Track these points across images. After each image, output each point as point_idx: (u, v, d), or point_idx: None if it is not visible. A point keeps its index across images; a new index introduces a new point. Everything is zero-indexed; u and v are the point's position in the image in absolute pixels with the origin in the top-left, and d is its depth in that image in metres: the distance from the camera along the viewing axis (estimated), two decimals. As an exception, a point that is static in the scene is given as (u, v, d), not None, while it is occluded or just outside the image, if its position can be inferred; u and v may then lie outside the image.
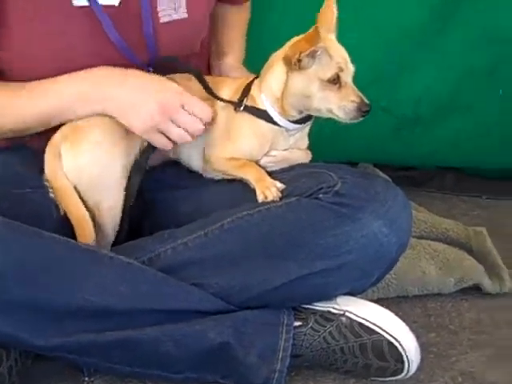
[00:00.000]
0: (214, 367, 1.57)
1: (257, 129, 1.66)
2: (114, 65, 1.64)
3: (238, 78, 1.76)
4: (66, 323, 1.50)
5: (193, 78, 1.68)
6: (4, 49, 1.64)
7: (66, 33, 1.62)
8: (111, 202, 1.65)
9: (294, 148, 1.70)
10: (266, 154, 1.68)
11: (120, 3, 1.63)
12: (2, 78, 1.67)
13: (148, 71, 1.68)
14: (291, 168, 1.67)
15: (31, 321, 1.49)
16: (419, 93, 2.33)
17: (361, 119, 1.59)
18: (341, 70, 1.57)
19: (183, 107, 1.62)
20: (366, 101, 1.57)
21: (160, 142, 1.64)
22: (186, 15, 1.70)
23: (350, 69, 1.60)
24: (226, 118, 1.67)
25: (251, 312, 1.58)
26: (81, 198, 1.63)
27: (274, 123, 1.65)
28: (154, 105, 1.60)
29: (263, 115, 1.65)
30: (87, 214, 1.62)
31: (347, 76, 1.59)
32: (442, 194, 2.49)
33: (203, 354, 1.55)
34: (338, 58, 1.59)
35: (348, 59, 1.60)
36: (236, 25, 1.99)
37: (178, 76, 1.69)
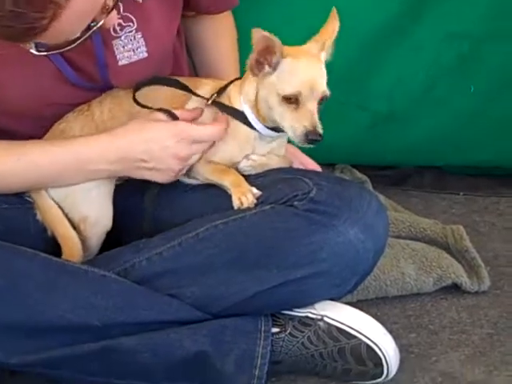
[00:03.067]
0: (191, 376, 1.57)
1: (234, 131, 1.64)
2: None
3: (220, 80, 1.74)
4: (40, 340, 1.50)
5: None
6: None
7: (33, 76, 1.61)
8: (97, 214, 1.66)
9: (271, 154, 1.69)
10: (246, 158, 1.66)
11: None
12: None
13: None
14: (267, 173, 1.66)
15: (4, 339, 1.49)
16: (391, 88, 2.33)
17: (309, 146, 1.55)
18: (299, 93, 1.53)
19: (194, 142, 1.61)
20: (319, 130, 1.52)
21: (180, 176, 1.66)
22: (146, 54, 1.67)
23: (317, 92, 1.54)
24: (205, 120, 1.65)
25: (228, 320, 1.58)
26: (65, 214, 1.64)
27: (250, 126, 1.63)
28: (169, 161, 1.60)
29: (239, 116, 1.63)
30: (74, 232, 1.63)
31: (309, 99, 1.54)
32: (420, 193, 2.49)
33: (180, 363, 1.55)
34: (300, 79, 1.54)
35: (318, 82, 1.55)
36: (222, 36, 1.94)
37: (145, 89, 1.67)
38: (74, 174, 1.63)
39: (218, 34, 1.93)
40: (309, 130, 1.52)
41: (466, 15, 2.23)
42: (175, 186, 1.70)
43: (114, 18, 1.48)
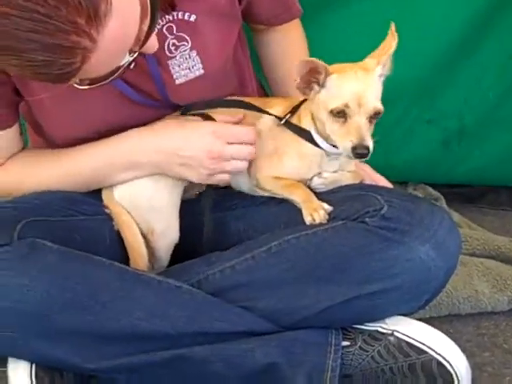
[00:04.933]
0: (263, 387, 1.59)
1: (300, 149, 1.67)
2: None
3: (291, 98, 1.76)
4: (115, 347, 1.55)
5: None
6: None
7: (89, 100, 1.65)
8: (163, 226, 1.70)
9: (343, 170, 1.71)
10: (317, 176, 1.69)
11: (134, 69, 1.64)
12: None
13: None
14: (338, 189, 1.69)
15: (80, 346, 1.54)
16: (461, 106, 2.34)
17: (358, 159, 1.57)
18: (346, 105, 1.54)
19: (227, 142, 1.64)
20: (366, 144, 1.52)
21: (219, 180, 1.68)
22: (202, 71, 1.70)
23: (366, 107, 1.54)
24: (273, 137, 1.69)
25: (299, 332, 1.60)
26: (136, 223, 1.69)
27: (316, 145, 1.65)
28: (201, 157, 1.64)
29: (305, 135, 1.65)
30: (142, 242, 1.68)
31: (356, 113, 1.54)
32: (495, 211, 2.46)
33: (251, 374, 1.57)
34: (347, 93, 1.55)
35: (365, 96, 1.54)
36: (288, 52, 1.94)
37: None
38: (118, 167, 1.68)
39: (286, 49, 1.94)
40: (356, 144, 1.53)
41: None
42: (249, 199, 1.74)
43: (153, 45, 1.51)
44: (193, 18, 1.68)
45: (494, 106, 2.35)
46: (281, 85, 1.93)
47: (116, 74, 1.48)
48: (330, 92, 1.57)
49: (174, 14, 1.67)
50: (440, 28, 2.21)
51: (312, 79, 1.58)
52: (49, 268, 1.52)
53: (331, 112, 1.56)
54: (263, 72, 1.99)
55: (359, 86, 1.56)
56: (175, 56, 1.69)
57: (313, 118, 1.64)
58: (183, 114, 1.72)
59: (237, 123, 1.70)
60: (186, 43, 1.69)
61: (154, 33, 1.48)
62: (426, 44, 2.22)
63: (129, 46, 1.43)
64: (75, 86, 1.48)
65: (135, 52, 1.47)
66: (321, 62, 1.55)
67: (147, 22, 1.44)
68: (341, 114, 1.55)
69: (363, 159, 1.56)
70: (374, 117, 1.56)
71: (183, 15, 1.68)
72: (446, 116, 2.35)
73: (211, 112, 1.72)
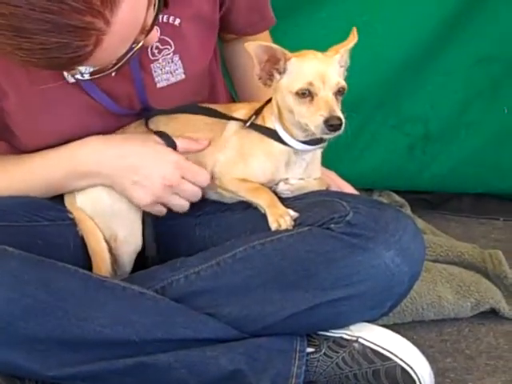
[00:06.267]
0: (226, 394, 1.58)
1: (268, 149, 1.66)
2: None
3: (255, 102, 1.77)
4: (77, 354, 1.53)
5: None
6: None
7: (65, 108, 1.65)
8: (126, 232, 1.69)
9: (309, 177, 1.71)
10: (283, 181, 1.69)
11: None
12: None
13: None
14: (304, 196, 1.68)
15: (43, 352, 1.52)
16: (426, 112, 2.36)
17: (332, 134, 1.54)
18: (310, 84, 1.55)
19: (183, 177, 1.65)
20: (337, 114, 1.52)
21: (157, 211, 1.69)
22: (183, 76, 1.71)
23: (330, 83, 1.55)
24: (239, 140, 1.69)
25: (264, 339, 1.59)
26: (100, 229, 1.68)
27: (284, 143, 1.65)
28: (156, 181, 1.64)
29: (272, 134, 1.65)
30: (105, 248, 1.66)
31: (322, 90, 1.55)
32: (459, 217, 2.49)
33: (215, 380, 1.56)
34: (308, 71, 1.56)
35: (327, 73, 1.56)
36: None
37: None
38: (74, 175, 1.66)
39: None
40: (327, 117, 1.52)
41: (496, 38, 2.27)
42: (215, 205, 1.73)
43: (154, 36, 1.52)
44: (177, 21, 1.68)
45: (459, 111, 2.37)
46: (253, 96, 1.91)
47: (115, 67, 1.47)
48: (292, 75, 1.58)
49: (159, 16, 1.65)
50: (405, 33, 2.24)
51: (272, 69, 1.59)
52: (10, 273, 1.49)
53: (297, 94, 1.56)
54: (233, 83, 1.99)
55: (320, 65, 1.58)
56: (158, 59, 1.69)
57: (280, 115, 1.63)
58: (147, 118, 1.71)
59: (200, 150, 1.69)
60: (169, 47, 1.69)
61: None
62: (392, 49, 2.25)
63: (137, 31, 1.43)
64: (76, 77, 1.49)
65: (139, 42, 1.47)
66: (278, 47, 1.57)
67: (151, 9, 1.44)
68: (306, 94, 1.55)
69: (337, 132, 1.53)
70: (339, 93, 1.57)
71: (168, 18, 1.68)
72: (411, 121, 2.37)
73: (175, 118, 1.71)
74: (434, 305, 1.96)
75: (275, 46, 1.58)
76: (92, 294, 1.54)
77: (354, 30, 1.64)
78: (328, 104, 1.54)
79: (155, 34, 1.52)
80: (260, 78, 1.61)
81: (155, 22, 1.47)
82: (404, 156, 2.40)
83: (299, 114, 1.58)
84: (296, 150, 1.65)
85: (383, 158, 2.33)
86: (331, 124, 1.52)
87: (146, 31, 1.46)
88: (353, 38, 1.63)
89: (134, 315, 1.54)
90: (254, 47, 1.57)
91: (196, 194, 1.68)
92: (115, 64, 1.47)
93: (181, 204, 1.69)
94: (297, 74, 1.57)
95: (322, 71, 1.56)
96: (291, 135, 1.64)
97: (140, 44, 1.48)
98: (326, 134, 1.54)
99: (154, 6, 1.46)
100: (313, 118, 1.55)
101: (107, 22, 1.33)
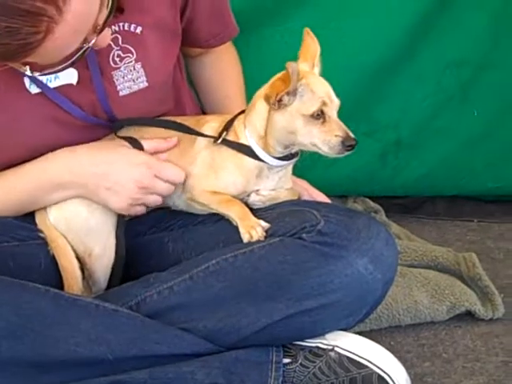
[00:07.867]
0: (203, 409, 1.58)
1: (240, 163, 1.66)
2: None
3: (224, 114, 1.77)
4: (52, 374, 1.52)
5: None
6: None
7: (26, 118, 1.63)
8: (101, 247, 1.68)
9: (280, 188, 1.71)
10: (255, 192, 1.69)
11: (77, 82, 1.64)
12: None
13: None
14: (275, 206, 1.68)
15: (16, 374, 1.50)
16: (397, 117, 2.37)
17: (346, 153, 1.58)
18: (324, 104, 1.57)
19: (157, 176, 1.65)
20: (352, 135, 1.56)
21: (137, 211, 1.69)
22: (146, 84, 1.70)
23: (335, 102, 1.59)
24: (211, 153, 1.68)
25: (240, 351, 1.59)
26: (71, 246, 1.67)
27: (258, 159, 1.65)
28: (129, 185, 1.63)
29: (246, 151, 1.65)
30: (76, 266, 1.66)
31: (331, 110, 1.58)
32: (434, 220, 2.50)
33: None
34: (320, 92, 1.58)
35: (332, 93, 1.60)
36: (225, 74, 1.96)
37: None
38: (47, 188, 1.65)
39: (222, 72, 1.95)
40: (344, 138, 1.56)
41: (464, 43, 2.28)
42: (186, 219, 1.73)
43: (107, 37, 1.52)
44: (139, 30, 1.68)
45: (430, 116, 2.38)
46: (220, 108, 1.92)
47: (66, 64, 1.47)
48: (303, 99, 1.58)
49: (120, 24, 1.66)
50: (374, 39, 2.24)
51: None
52: None
53: (312, 116, 1.57)
54: (199, 96, 1.99)
55: (326, 85, 1.61)
56: (120, 67, 1.68)
57: (264, 133, 1.62)
58: (116, 129, 1.70)
59: (170, 148, 1.70)
60: (130, 55, 1.68)
61: (107, 28, 1.48)
62: (361, 56, 2.25)
63: (89, 26, 1.43)
64: (26, 73, 1.47)
65: (89, 42, 1.46)
66: (302, 80, 1.56)
67: (104, 10, 1.44)
68: (319, 116, 1.57)
69: (352, 151, 1.57)
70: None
71: (129, 27, 1.67)
72: (382, 128, 2.37)
73: (144, 131, 1.71)
74: (411, 309, 1.96)
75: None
76: (64, 313, 1.53)
77: (307, 31, 1.64)
78: (339, 124, 1.57)
79: (107, 36, 1.52)
80: (273, 102, 1.58)
81: (107, 22, 1.46)
82: (377, 162, 2.41)
83: (309, 136, 1.58)
84: (270, 165, 1.66)
85: (356, 165, 2.33)
86: (349, 144, 1.56)
87: (97, 30, 1.45)
88: (313, 42, 1.64)
89: (109, 333, 1.53)
90: (295, 66, 1.54)
91: (170, 190, 1.68)
92: (64, 61, 1.46)
93: (156, 200, 1.68)
94: (310, 96, 1.58)
95: (327, 91, 1.60)
96: (268, 151, 1.64)
97: (91, 43, 1.47)
98: (340, 153, 1.57)
99: (107, 6, 1.45)
100: (327, 138, 1.57)
101: (59, 10, 1.33)
